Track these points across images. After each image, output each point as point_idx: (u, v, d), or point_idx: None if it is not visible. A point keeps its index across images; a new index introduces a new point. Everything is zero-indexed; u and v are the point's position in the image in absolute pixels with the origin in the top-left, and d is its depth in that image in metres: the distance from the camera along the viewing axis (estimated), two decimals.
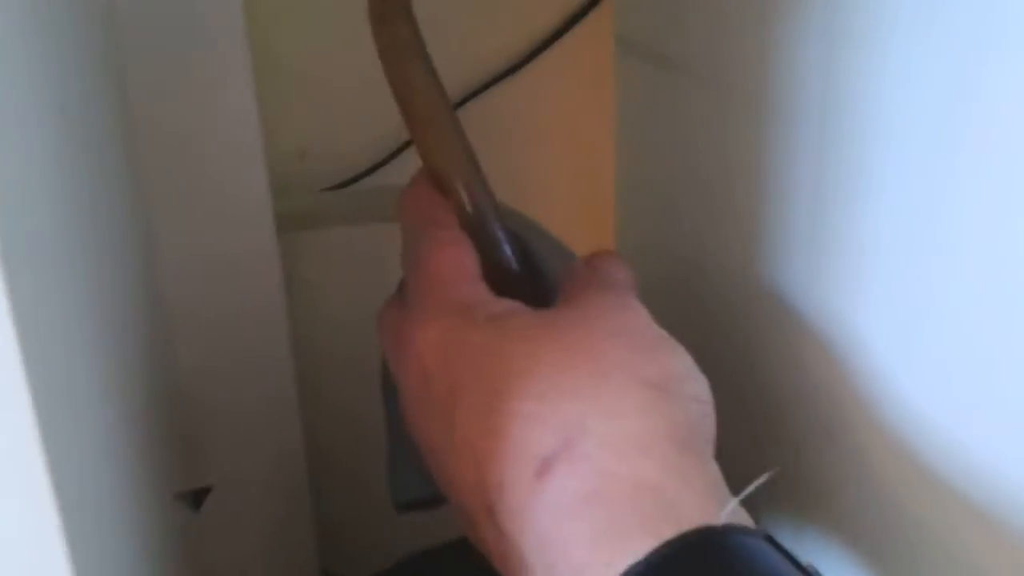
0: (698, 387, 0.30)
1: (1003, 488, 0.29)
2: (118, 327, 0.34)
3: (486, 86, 0.53)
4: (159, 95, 0.42)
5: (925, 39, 0.29)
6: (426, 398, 0.31)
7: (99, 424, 0.29)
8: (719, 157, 0.42)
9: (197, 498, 0.46)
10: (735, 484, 0.28)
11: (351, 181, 0.53)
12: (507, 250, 0.35)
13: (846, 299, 0.35)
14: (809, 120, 0.35)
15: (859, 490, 0.35)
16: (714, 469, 0.29)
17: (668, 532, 0.25)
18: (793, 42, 0.35)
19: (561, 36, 0.54)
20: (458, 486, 0.30)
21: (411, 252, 0.34)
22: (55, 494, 0.21)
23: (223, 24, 0.42)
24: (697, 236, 0.45)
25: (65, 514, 0.21)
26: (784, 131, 0.37)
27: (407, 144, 0.52)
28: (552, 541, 0.27)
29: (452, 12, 0.52)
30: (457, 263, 0.33)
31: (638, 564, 0.25)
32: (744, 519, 0.27)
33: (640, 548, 0.25)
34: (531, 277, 0.36)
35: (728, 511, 0.26)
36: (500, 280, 0.34)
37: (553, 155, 0.57)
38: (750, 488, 0.27)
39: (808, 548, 0.39)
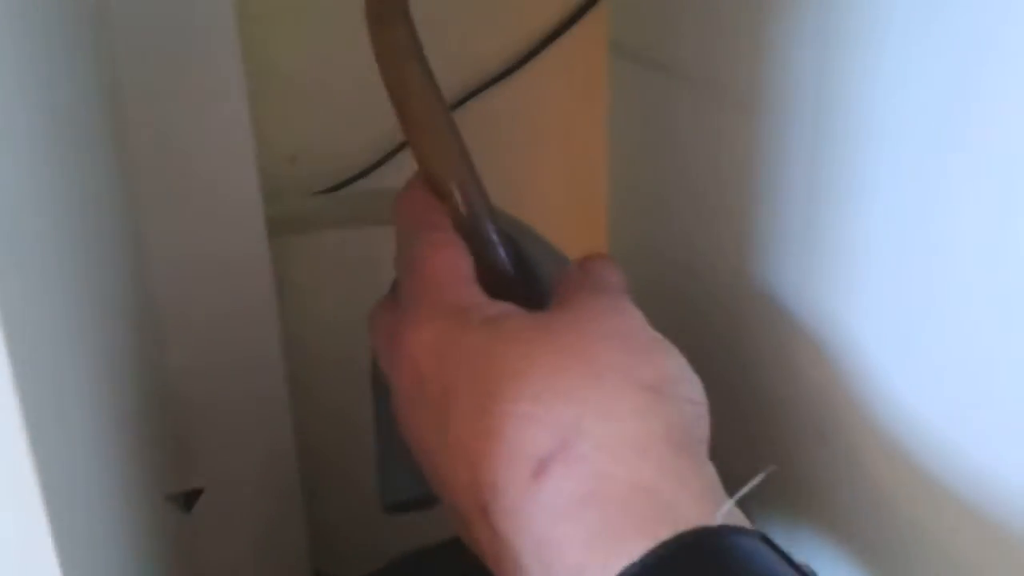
0: (692, 388, 0.30)
1: (996, 487, 0.29)
2: (107, 329, 0.34)
3: (479, 89, 0.53)
4: (151, 98, 0.41)
5: (919, 40, 0.29)
6: (419, 399, 0.31)
7: (88, 425, 0.29)
8: (712, 159, 0.42)
9: (188, 500, 0.46)
10: (729, 485, 0.28)
11: (342, 185, 0.53)
12: (501, 253, 0.35)
13: (839, 300, 0.35)
14: (802, 122, 0.35)
15: (852, 490, 0.35)
16: (710, 470, 0.29)
17: (664, 533, 0.25)
18: (786, 44, 0.35)
19: (555, 40, 0.54)
20: (451, 486, 0.30)
21: (406, 254, 0.34)
22: (44, 496, 0.21)
23: (214, 27, 0.42)
24: (690, 238, 0.45)
25: (54, 516, 0.21)
26: (777, 133, 0.37)
27: (399, 148, 0.52)
28: (548, 542, 0.27)
29: (444, 16, 0.52)
30: (452, 265, 0.33)
31: (634, 565, 0.25)
32: (740, 520, 0.27)
33: (636, 549, 0.25)
34: (525, 280, 0.36)
35: (724, 511, 0.26)
36: (494, 283, 0.34)
37: (546, 158, 0.57)
38: (746, 488, 0.27)
39: (802, 548, 0.39)
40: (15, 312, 0.20)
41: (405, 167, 0.37)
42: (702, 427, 0.30)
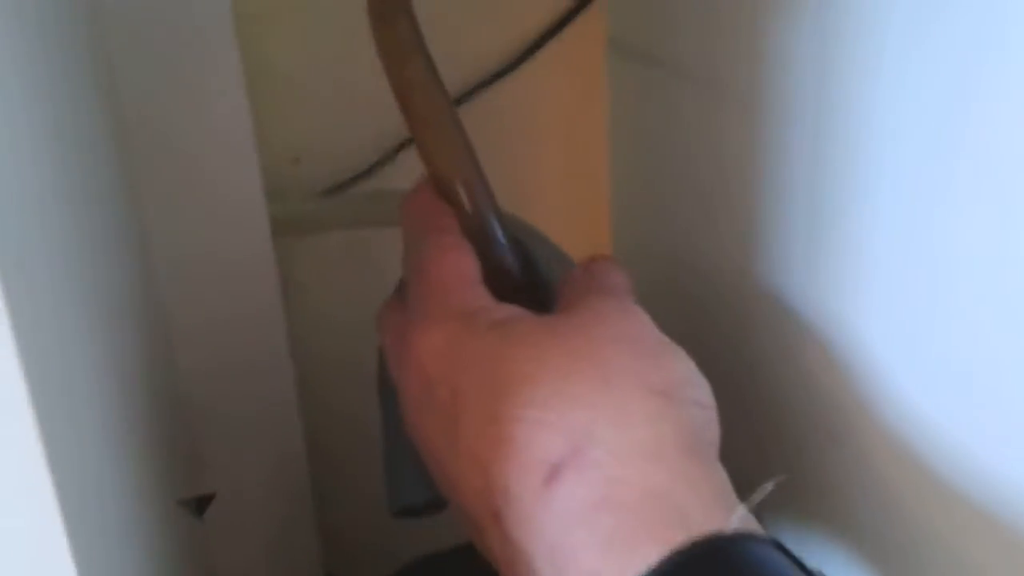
0: (701, 392, 0.30)
1: (1006, 489, 0.29)
2: (116, 331, 0.34)
3: (478, 87, 0.53)
4: (152, 100, 0.41)
5: (920, 38, 0.29)
6: (428, 404, 0.31)
7: (100, 429, 0.29)
8: (713, 158, 0.42)
9: (200, 505, 0.46)
10: (738, 487, 0.28)
11: (346, 184, 0.53)
12: (508, 255, 0.35)
13: (845, 300, 0.35)
14: (804, 119, 0.35)
15: (862, 492, 0.35)
16: (721, 474, 0.29)
17: (677, 539, 0.26)
18: (787, 41, 0.35)
19: (552, 37, 0.54)
20: (462, 491, 0.30)
21: (413, 257, 0.34)
22: (58, 498, 0.21)
23: (213, 28, 0.41)
24: (693, 237, 0.45)
25: (69, 519, 0.21)
26: (778, 131, 0.37)
27: (401, 147, 0.52)
28: (561, 548, 0.27)
29: (442, 13, 0.52)
30: (459, 268, 0.33)
31: (650, 572, 0.25)
32: (752, 525, 0.27)
33: (650, 555, 0.25)
34: (531, 283, 0.36)
35: (737, 517, 0.26)
36: (501, 285, 0.34)
37: (547, 156, 0.57)
38: (758, 495, 0.27)
39: (812, 551, 0.39)
40: (24, 315, 0.20)
41: (408, 166, 0.36)
42: (712, 430, 0.30)
